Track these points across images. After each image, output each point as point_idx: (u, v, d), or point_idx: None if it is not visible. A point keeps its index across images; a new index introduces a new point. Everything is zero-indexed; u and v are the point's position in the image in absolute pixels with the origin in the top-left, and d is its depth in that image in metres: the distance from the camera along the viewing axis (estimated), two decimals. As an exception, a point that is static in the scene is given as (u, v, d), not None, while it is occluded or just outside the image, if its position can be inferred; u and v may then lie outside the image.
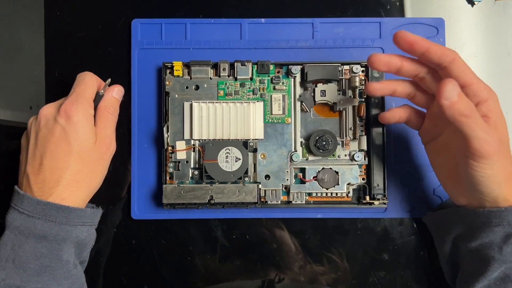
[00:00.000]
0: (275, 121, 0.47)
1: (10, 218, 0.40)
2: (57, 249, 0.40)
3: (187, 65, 0.47)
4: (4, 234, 0.40)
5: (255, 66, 0.47)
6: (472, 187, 0.38)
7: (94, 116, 0.44)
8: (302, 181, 0.47)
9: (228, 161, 0.46)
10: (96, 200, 0.45)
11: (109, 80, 0.45)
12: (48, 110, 0.43)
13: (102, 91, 0.44)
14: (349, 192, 0.47)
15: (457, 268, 0.43)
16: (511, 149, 0.40)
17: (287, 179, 0.47)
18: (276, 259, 0.48)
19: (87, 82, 0.43)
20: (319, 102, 0.47)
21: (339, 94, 0.47)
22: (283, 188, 0.47)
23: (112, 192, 0.48)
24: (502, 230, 0.38)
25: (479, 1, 0.50)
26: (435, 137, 0.42)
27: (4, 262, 0.39)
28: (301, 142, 0.47)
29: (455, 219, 0.42)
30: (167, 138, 0.47)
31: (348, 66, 0.47)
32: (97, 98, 0.44)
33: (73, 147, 0.41)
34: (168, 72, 0.47)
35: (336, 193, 0.47)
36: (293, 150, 0.47)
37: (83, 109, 0.42)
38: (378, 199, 0.46)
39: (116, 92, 0.45)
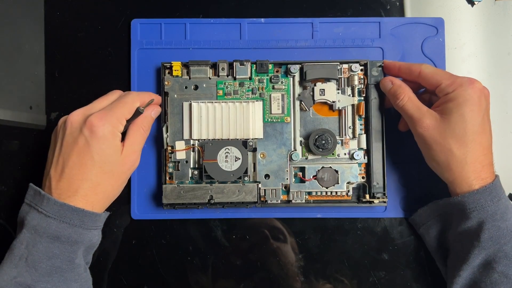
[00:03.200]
0: (274, 120, 0.47)
1: (29, 217, 0.40)
2: (69, 251, 0.40)
3: (186, 65, 0.47)
4: (21, 232, 0.40)
5: (254, 65, 0.47)
6: (434, 168, 0.43)
7: (127, 130, 0.44)
8: (302, 180, 0.47)
9: (228, 160, 0.46)
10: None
11: (153, 99, 0.45)
12: (75, 118, 0.42)
13: (143, 108, 0.43)
14: (349, 191, 0.47)
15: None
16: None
17: (287, 178, 0.47)
18: (276, 259, 0.48)
19: (127, 102, 0.43)
20: (318, 101, 0.47)
21: (338, 93, 0.47)
22: (283, 187, 0.47)
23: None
24: (477, 215, 0.40)
25: (479, 1, 0.50)
26: None
27: (17, 260, 0.39)
28: (301, 141, 0.47)
29: (435, 213, 0.44)
30: (167, 138, 0.47)
31: (347, 64, 0.47)
32: (136, 114, 0.43)
33: (96, 161, 0.41)
34: (167, 72, 0.47)
35: (336, 192, 0.47)
36: (292, 149, 0.47)
37: (110, 125, 0.41)
38: (378, 198, 0.46)
39: (154, 112, 0.46)
